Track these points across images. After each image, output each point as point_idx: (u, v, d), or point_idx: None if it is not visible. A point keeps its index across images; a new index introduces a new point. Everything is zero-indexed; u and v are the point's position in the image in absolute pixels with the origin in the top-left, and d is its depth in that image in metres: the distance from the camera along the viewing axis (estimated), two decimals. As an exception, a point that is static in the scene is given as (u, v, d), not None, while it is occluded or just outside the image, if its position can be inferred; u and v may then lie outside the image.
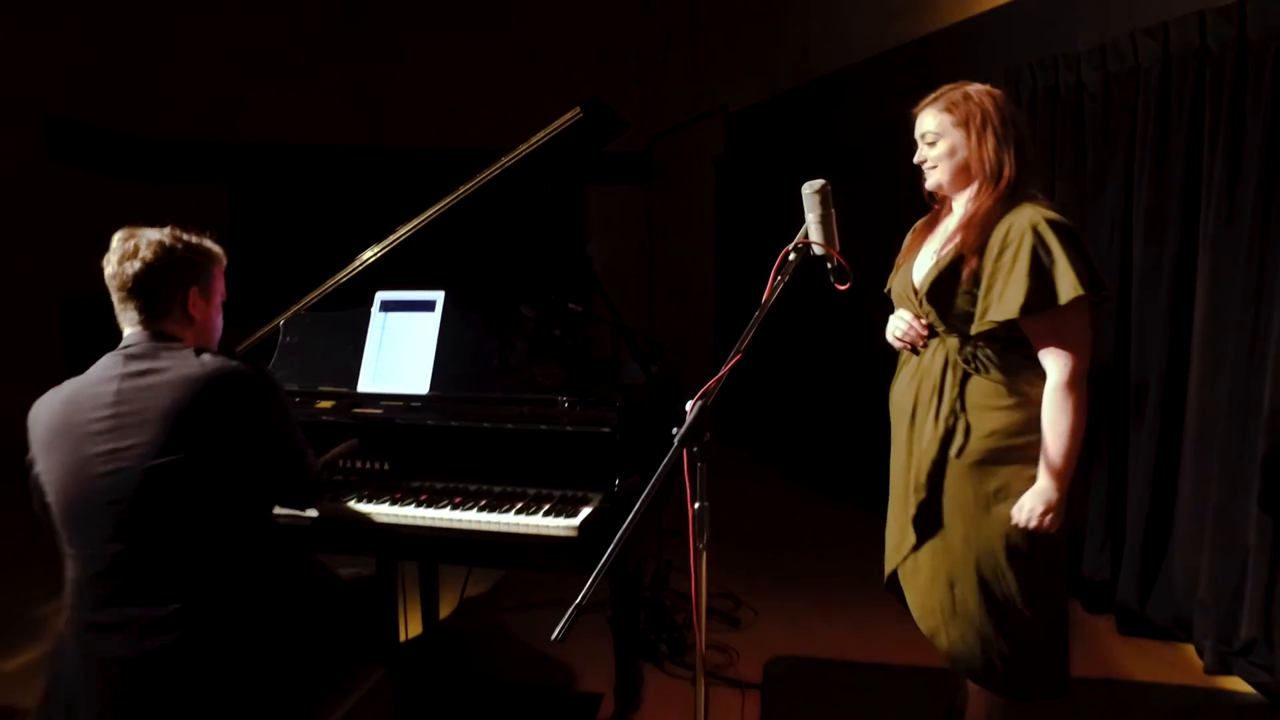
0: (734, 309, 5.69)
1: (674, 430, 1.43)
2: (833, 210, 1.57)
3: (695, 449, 1.41)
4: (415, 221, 2.35)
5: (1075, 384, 1.57)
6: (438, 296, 2.17)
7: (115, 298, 1.48)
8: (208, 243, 1.53)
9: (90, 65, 5.70)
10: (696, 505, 1.43)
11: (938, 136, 1.68)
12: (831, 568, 3.37)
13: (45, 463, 1.37)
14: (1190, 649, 2.62)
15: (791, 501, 4.25)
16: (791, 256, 1.57)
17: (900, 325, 1.80)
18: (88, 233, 5.89)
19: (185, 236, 1.49)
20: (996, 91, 1.67)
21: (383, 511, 1.85)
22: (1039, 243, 1.55)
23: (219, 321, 1.56)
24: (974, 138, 1.64)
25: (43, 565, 3.19)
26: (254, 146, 6.66)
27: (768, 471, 4.74)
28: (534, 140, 2.28)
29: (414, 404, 2.05)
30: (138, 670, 1.33)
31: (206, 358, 1.40)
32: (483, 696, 2.33)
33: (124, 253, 1.43)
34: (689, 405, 1.44)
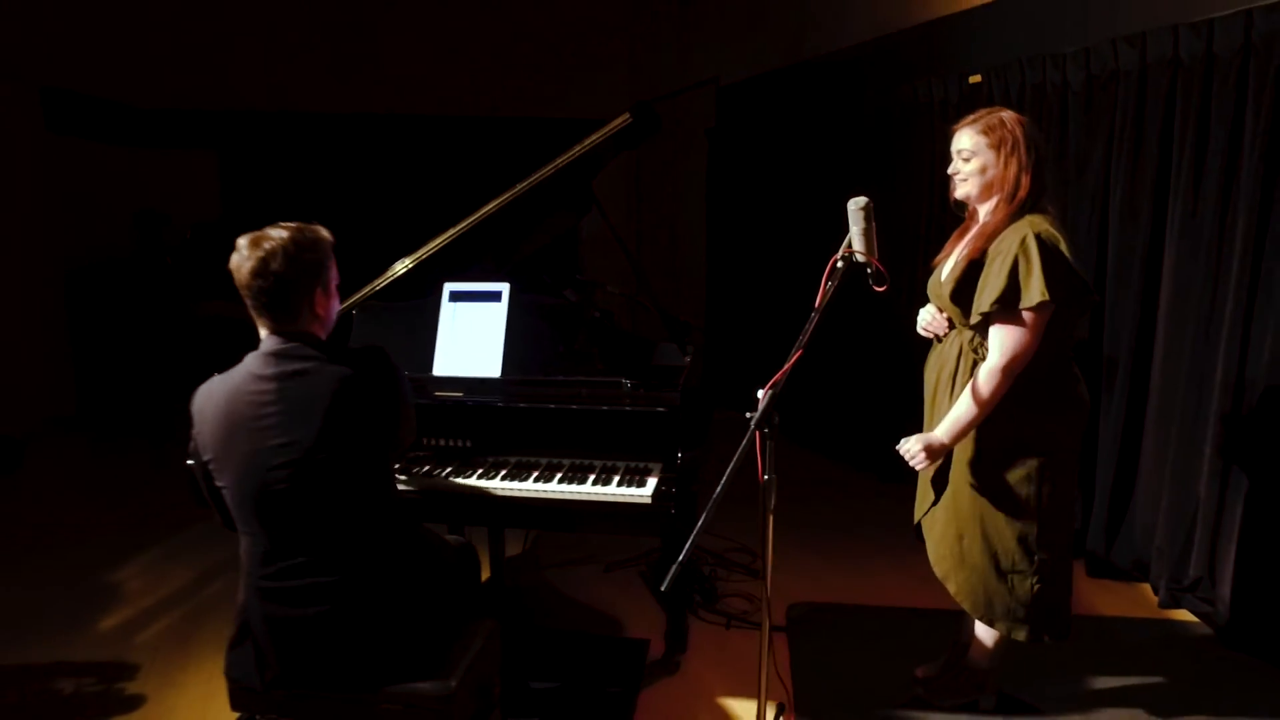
0: (727, 277, 5.95)
1: (748, 415, 1.70)
2: (874, 224, 1.82)
3: (766, 430, 1.69)
4: (468, 221, 2.49)
5: (1007, 372, 1.88)
6: (503, 288, 2.39)
7: (249, 304, 1.59)
8: (321, 234, 1.62)
9: (81, 34, 5.64)
10: (766, 478, 1.71)
11: (972, 154, 1.96)
12: (832, 521, 3.72)
13: (219, 454, 1.58)
14: (1147, 588, 3.03)
15: (796, 462, 4.59)
16: (840, 264, 1.83)
17: (925, 317, 2.11)
18: (86, 201, 5.91)
19: (304, 237, 1.57)
20: (1024, 119, 1.96)
21: (474, 484, 2.10)
22: (1022, 253, 1.85)
23: (337, 304, 1.69)
24: (1002, 160, 1.93)
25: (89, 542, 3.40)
26: (241, 113, 6.65)
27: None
28: (588, 142, 2.48)
29: (489, 386, 2.29)
30: (305, 629, 1.58)
31: (347, 355, 1.59)
32: (549, 645, 2.61)
33: (253, 268, 1.53)
34: (760, 394, 1.71)
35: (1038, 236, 1.85)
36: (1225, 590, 2.68)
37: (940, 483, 2.09)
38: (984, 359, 1.95)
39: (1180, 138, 2.86)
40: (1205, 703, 2.34)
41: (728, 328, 5.92)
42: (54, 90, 5.49)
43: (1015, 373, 1.89)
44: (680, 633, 2.52)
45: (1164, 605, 2.89)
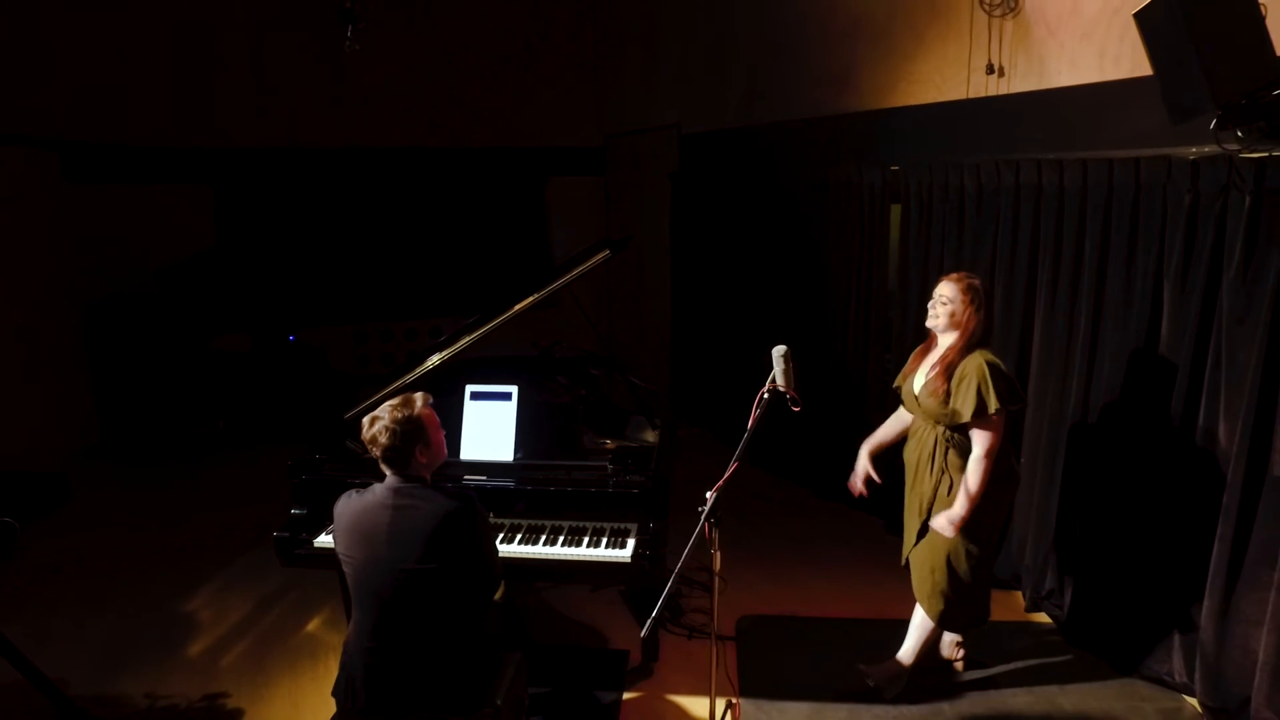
0: (689, 307, 6.65)
1: (700, 509, 2.41)
2: (792, 365, 2.53)
3: (714, 520, 2.41)
4: (485, 328, 3.14)
5: (989, 456, 2.73)
6: (513, 389, 3.07)
7: (378, 458, 2.26)
8: (417, 411, 2.28)
9: (90, 87, 6.08)
10: (714, 551, 2.44)
11: (950, 301, 2.78)
12: (777, 538, 4.49)
13: (348, 552, 2.24)
14: (1018, 594, 3.85)
15: (742, 478, 5.33)
16: (766, 395, 2.54)
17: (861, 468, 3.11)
18: (100, 237, 6.41)
19: (402, 415, 2.24)
20: (986, 284, 2.80)
21: (501, 549, 2.80)
22: (980, 378, 2.70)
23: (443, 448, 2.36)
24: (968, 310, 2.76)
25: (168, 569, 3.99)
26: (234, 151, 7.10)
27: (728, 451, 5.82)
28: (576, 272, 3.13)
29: (504, 469, 2.98)
30: (392, 683, 2.27)
31: (444, 497, 2.24)
32: (548, 658, 3.34)
33: (372, 437, 2.22)
34: (709, 494, 2.43)
35: (989, 364, 2.71)
36: (1068, 598, 3.51)
37: (924, 531, 2.93)
38: (954, 443, 2.81)
39: (1042, 245, 3.61)
40: (1050, 685, 3.18)
41: (691, 352, 6.64)
42: (69, 143, 5.96)
43: (993, 455, 2.74)
44: (654, 644, 3.27)
45: (1028, 610, 3.72)
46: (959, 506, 2.77)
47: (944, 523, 2.79)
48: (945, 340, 2.84)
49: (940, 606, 2.94)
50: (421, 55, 7.47)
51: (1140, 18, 2.68)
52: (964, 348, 2.77)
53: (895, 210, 4.48)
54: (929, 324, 2.87)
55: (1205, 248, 2.91)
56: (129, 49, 6.32)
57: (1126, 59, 3.27)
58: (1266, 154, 2.64)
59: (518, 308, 3.15)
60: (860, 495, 3.17)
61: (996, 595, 3.86)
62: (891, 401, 3.31)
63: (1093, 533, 3.43)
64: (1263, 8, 2.33)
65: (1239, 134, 2.63)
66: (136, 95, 6.42)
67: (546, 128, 7.94)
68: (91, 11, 6.06)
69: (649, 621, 2.30)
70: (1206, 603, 2.97)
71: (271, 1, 6.92)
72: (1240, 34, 2.39)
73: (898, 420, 3.18)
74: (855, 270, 4.75)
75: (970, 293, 2.78)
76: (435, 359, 3.21)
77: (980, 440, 2.74)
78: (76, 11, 5.96)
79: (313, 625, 3.67)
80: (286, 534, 2.91)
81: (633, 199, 7.63)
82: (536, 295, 3.15)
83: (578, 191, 8.15)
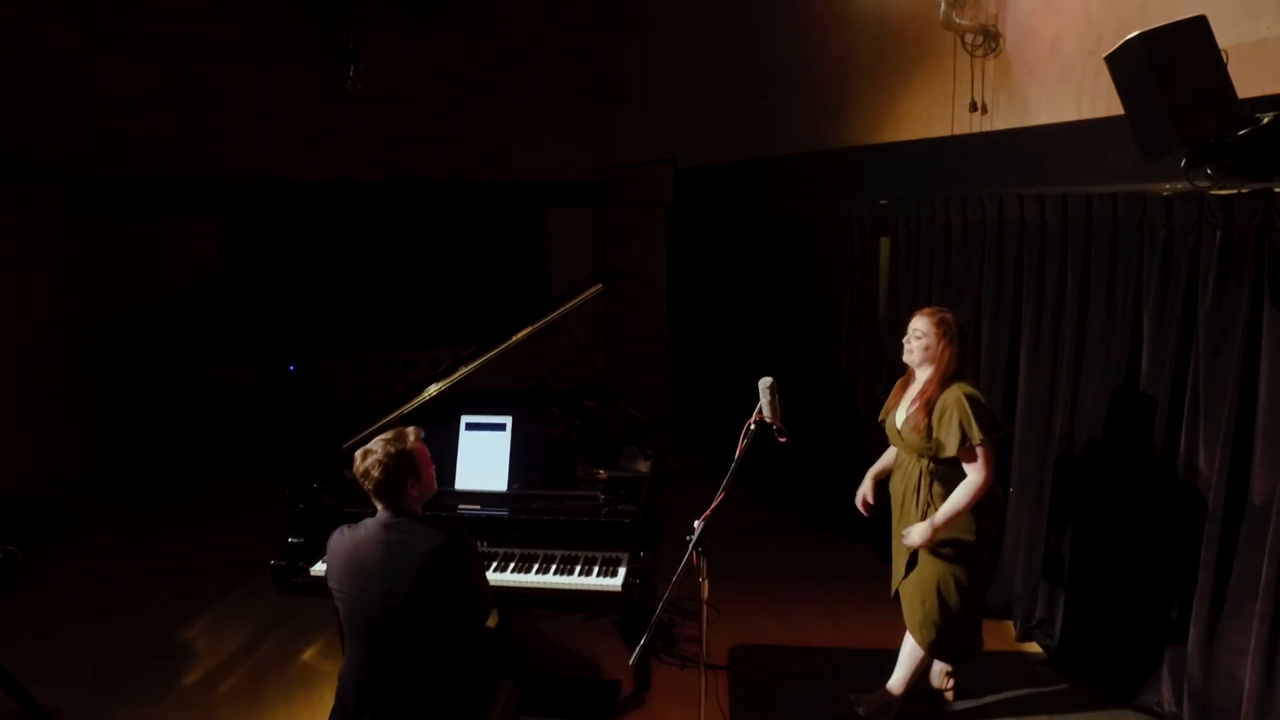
0: (685, 337, 6.73)
1: (687, 538, 2.46)
2: (778, 396, 2.59)
3: (701, 549, 2.45)
4: (485, 357, 3.22)
5: (979, 483, 2.77)
6: (507, 420, 3.13)
7: (369, 492, 2.30)
8: (410, 445, 2.33)
9: (98, 124, 6.23)
10: (702, 579, 2.48)
11: (924, 335, 2.85)
12: (771, 568, 4.52)
13: (340, 587, 2.28)
14: (1009, 624, 3.87)
15: (741, 510, 5.38)
16: (753, 427, 2.60)
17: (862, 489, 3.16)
18: (105, 268, 6.51)
19: (395, 449, 2.28)
20: (958, 320, 2.86)
21: (491, 576, 2.84)
22: (960, 411, 2.75)
23: (433, 482, 2.40)
24: (941, 344, 2.82)
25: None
26: (238, 183, 7.23)
27: (721, 482, 5.86)
28: (571, 304, 3.20)
29: (498, 498, 3.03)
30: (385, 708, 2.31)
31: (435, 532, 2.28)
32: (542, 686, 3.36)
33: (364, 470, 2.26)
34: (696, 523, 2.48)
35: (967, 396, 2.77)
36: (1059, 628, 3.53)
37: (912, 562, 2.96)
38: (939, 475, 2.86)
39: (1025, 276, 3.69)
40: (1041, 714, 3.20)
41: (686, 383, 6.71)
42: (77, 177, 6.09)
43: (986, 483, 2.78)
44: (645, 674, 3.29)
45: (1019, 639, 3.74)
46: (938, 515, 2.80)
47: (916, 535, 2.82)
48: (923, 374, 2.90)
49: (932, 636, 2.96)
50: (422, 89, 7.62)
51: (1111, 61, 2.78)
52: (941, 381, 2.82)
53: (885, 243, 4.58)
54: (905, 359, 2.93)
55: (1181, 281, 2.99)
56: (137, 87, 6.48)
57: (1103, 99, 3.37)
58: (1235, 191, 2.73)
59: (514, 339, 3.22)
60: (864, 513, 3.23)
61: (988, 625, 3.88)
62: (882, 432, 3.36)
63: (1081, 561, 3.47)
64: (1224, 54, 2.43)
65: (1209, 171, 2.72)
66: (143, 130, 6.57)
67: (545, 161, 8.08)
68: (100, 51, 6.23)
69: (638, 649, 2.35)
70: (1193, 631, 3.00)
71: (276, 39, 7.09)
72: (1205, 78, 2.48)
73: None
74: (846, 302, 4.83)
75: (942, 326, 2.84)
76: (433, 389, 3.28)
77: (974, 470, 2.80)
78: (85, 51, 6.13)
79: (308, 654, 3.69)
80: (284, 562, 2.96)
81: (630, 231, 7.75)
82: (532, 327, 3.23)
83: (576, 223, 8.28)
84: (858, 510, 3.22)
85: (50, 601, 4.21)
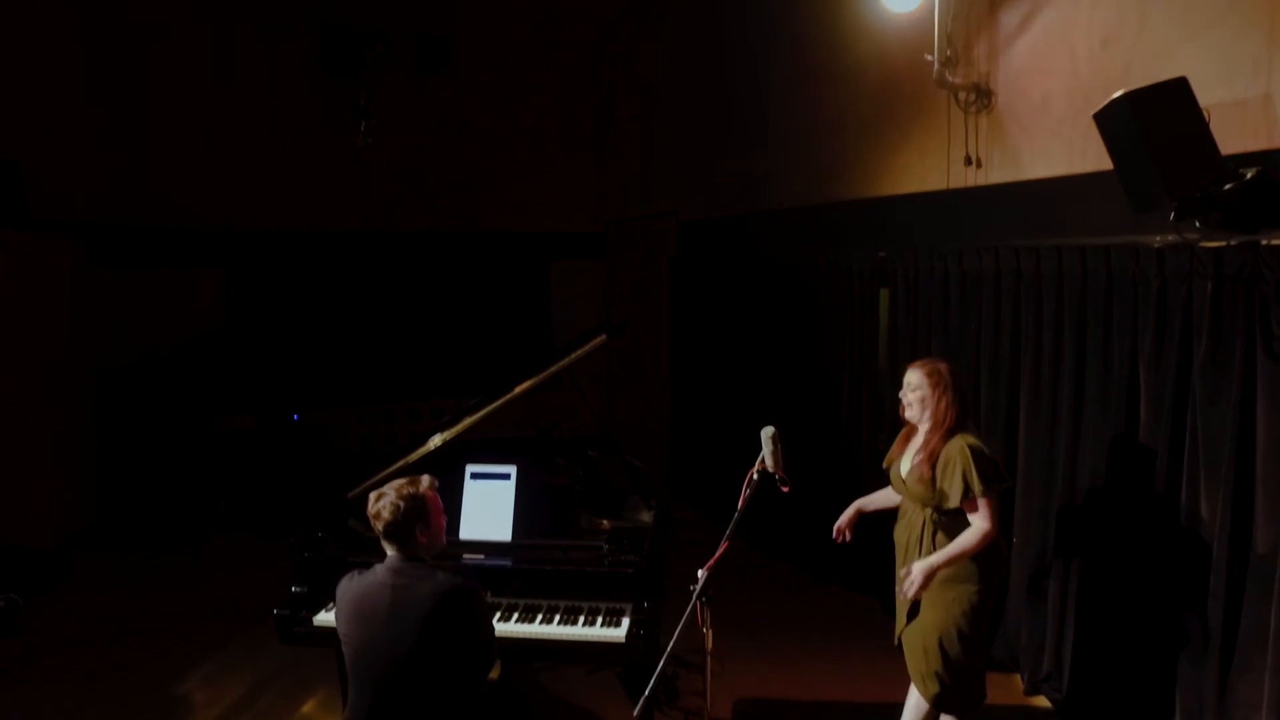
0: (688, 394, 6.76)
1: (691, 587, 2.46)
2: (780, 446, 2.61)
3: (705, 599, 2.45)
4: (493, 405, 3.25)
5: (985, 531, 2.76)
6: (511, 470, 3.15)
7: (379, 533, 2.33)
8: (422, 490, 2.36)
9: (114, 176, 6.40)
10: (706, 630, 2.47)
11: (918, 387, 2.87)
12: (776, 620, 4.47)
13: (347, 633, 2.28)
14: (1016, 677, 3.82)
15: (746, 564, 5.34)
16: (756, 477, 2.62)
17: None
18: (117, 317, 6.60)
19: (407, 493, 2.32)
20: (952, 368, 2.88)
21: (497, 627, 2.83)
22: (964, 462, 2.76)
23: (442, 534, 2.42)
24: (936, 395, 2.83)
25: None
26: (246, 234, 7.36)
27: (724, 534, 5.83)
28: (576, 355, 3.25)
29: (502, 548, 3.03)
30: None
31: (442, 576, 2.29)
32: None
33: (377, 511, 2.30)
34: (700, 572, 2.48)
35: (970, 447, 2.78)
36: (1066, 681, 3.48)
37: (915, 611, 2.94)
38: (942, 525, 2.84)
39: (1023, 326, 3.74)
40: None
41: (689, 433, 6.72)
42: (95, 227, 6.23)
43: (990, 532, 2.77)
44: (649, 728, 3.24)
45: (1027, 692, 3.69)
46: (935, 559, 2.77)
47: (916, 572, 2.77)
48: (924, 427, 2.92)
49: (935, 689, 2.93)
50: (429, 144, 7.81)
51: (1099, 119, 2.89)
52: (944, 433, 2.83)
53: (884, 294, 4.65)
54: (905, 416, 2.95)
55: (1175, 331, 3.03)
56: (151, 140, 6.68)
57: (1093, 153, 3.46)
58: (1224, 243, 2.79)
59: (518, 390, 3.26)
60: (838, 540, 3.17)
61: (995, 678, 3.84)
62: (884, 482, 3.37)
63: (1088, 613, 3.44)
64: (1206, 112, 2.52)
65: (1197, 224, 2.79)
66: (157, 183, 6.75)
67: (549, 213, 8.25)
68: (115, 106, 6.43)
69: (641, 701, 2.33)
70: (1204, 686, 2.96)
71: (288, 95, 7.31)
72: (1188, 135, 2.57)
73: (892, 492, 3.22)
74: (847, 352, 4.88)
75: (934, 376, 2.86)
76: (437, 439, 3.30)
77: (978, 519, 2.79)
78: (101, 106, 6.33)
79: (308, 707, 3.64)
80: (287, 611, 2.95)
81: (632, 282, 7.86)
82: (535, 378, 3.26)
83: (579, 275, 8.40)
84: (840, 544, 3.17)
85: (50, 652, 4.17)
